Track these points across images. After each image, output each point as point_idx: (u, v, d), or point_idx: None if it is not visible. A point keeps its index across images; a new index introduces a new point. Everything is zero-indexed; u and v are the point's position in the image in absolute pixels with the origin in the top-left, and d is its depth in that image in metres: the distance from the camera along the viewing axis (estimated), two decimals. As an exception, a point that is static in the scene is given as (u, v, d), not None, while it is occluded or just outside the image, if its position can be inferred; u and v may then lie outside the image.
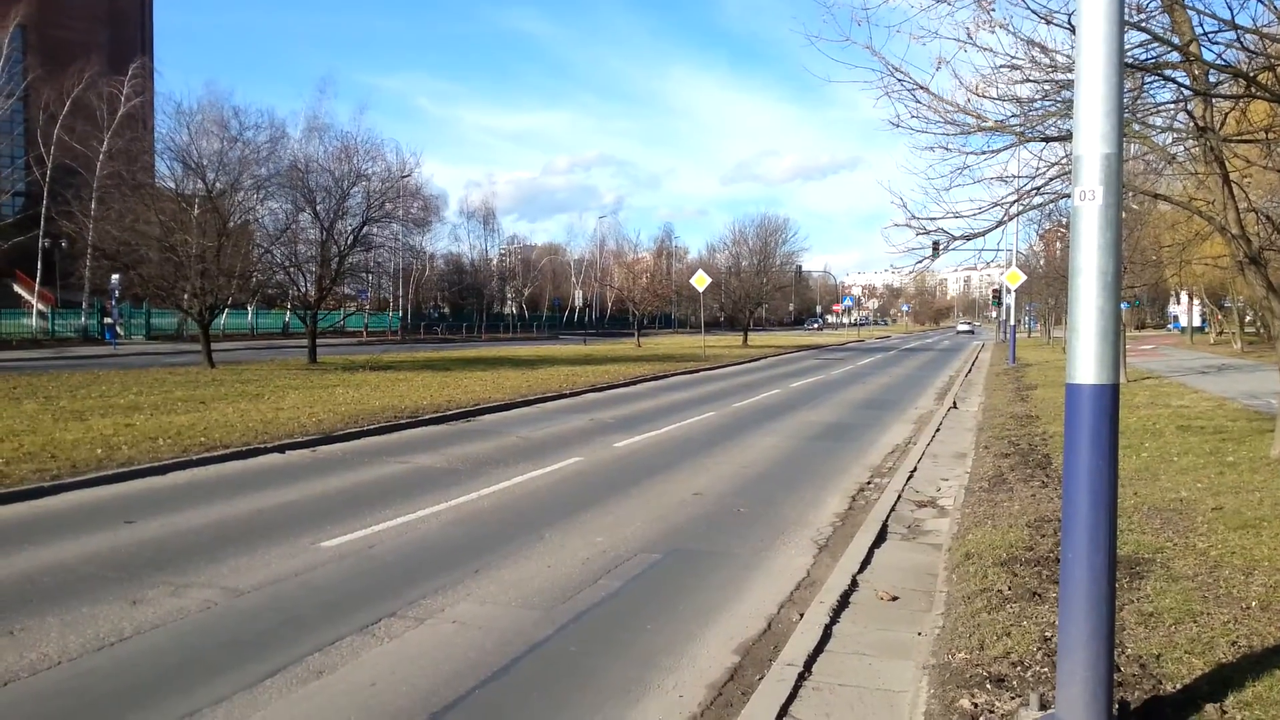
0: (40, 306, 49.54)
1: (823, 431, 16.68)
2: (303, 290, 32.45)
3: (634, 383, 26.90)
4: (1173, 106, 9.74)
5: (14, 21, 47.53)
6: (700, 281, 43.38)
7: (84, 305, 49.37)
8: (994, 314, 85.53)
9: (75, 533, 8.45)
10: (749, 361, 40.23)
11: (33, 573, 7.20)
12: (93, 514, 9.23)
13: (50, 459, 11.29)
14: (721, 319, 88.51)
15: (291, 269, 32.38)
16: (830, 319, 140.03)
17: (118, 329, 46.35)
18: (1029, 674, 4.92)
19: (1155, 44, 8.58)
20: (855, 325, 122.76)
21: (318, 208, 31.64)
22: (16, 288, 56.29)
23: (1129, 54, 8.32)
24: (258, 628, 6.09)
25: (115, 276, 38.52)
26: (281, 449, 13.23)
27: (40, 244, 48.40)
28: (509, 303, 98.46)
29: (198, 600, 6.60)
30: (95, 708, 4.90)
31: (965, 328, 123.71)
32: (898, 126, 9.47)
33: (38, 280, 50.71)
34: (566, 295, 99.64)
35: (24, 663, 5.41)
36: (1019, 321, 58.25)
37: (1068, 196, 9.63)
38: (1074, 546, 3.94)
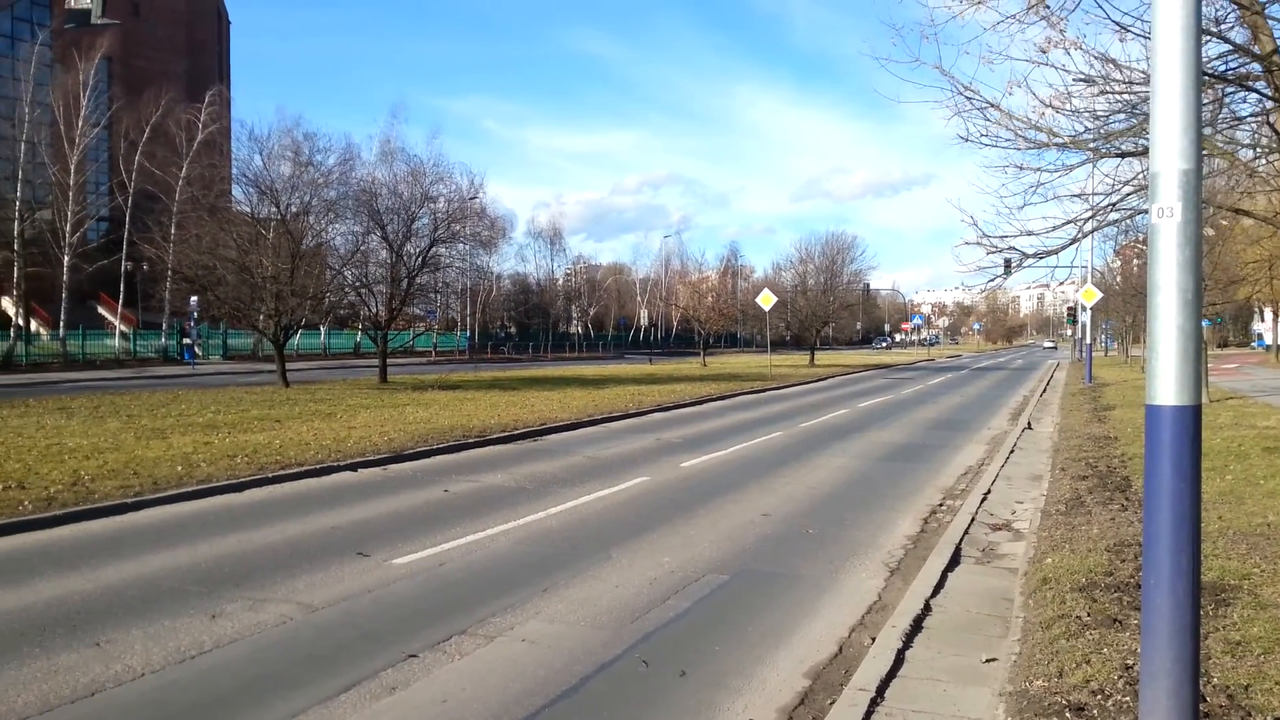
0: (123, 328, 51.22)
1: (893, 452, 16.47)
2: (373, 311, 33.06)
3: (700, 402, 26.87)
4: (1255, 120, 9.48)
5: (100, 54, 49.38)
6: (766, 300, 43.19)
7: (164, 326, 50.92)
8: (1068, 332, 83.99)
9: (157, 548, 8.69)
10: (815, 381, 39.92)
11: (118, 586, 7.42)
12: (174, 530, 9.48)
13: (133, 476, 11.63)
14: (787, 338, 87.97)
15: (362, 290, 33.01)
16: (899, 338, 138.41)
17: (196, 349, 47.66)
18: (1110, 703, 4.79)
19: (1235, 54, 8.37)
20: (924, 344, 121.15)
21: (387, 230, 32.23)
22: (100, 310, 58.35)
23: (1208, 66, 8.12)
24: (332, 643, 6.19)
25: (194, 298, 39.72)
26: (354, 467, 13.46)
27: (123, 267, 50.06)
28: (574, 322, 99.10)
29: (274, 615, 6.73)
30: (177, 720, 5.03)
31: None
32: (967, 141, 9.35)
33: (120, 302, 52.47)
34: (632, 315, 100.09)
35: (109, 674, 5.57)
36: (1095, 340, 56.88)
37: (1145, 212, 9.42)
38: (1156, 572, 3.84)
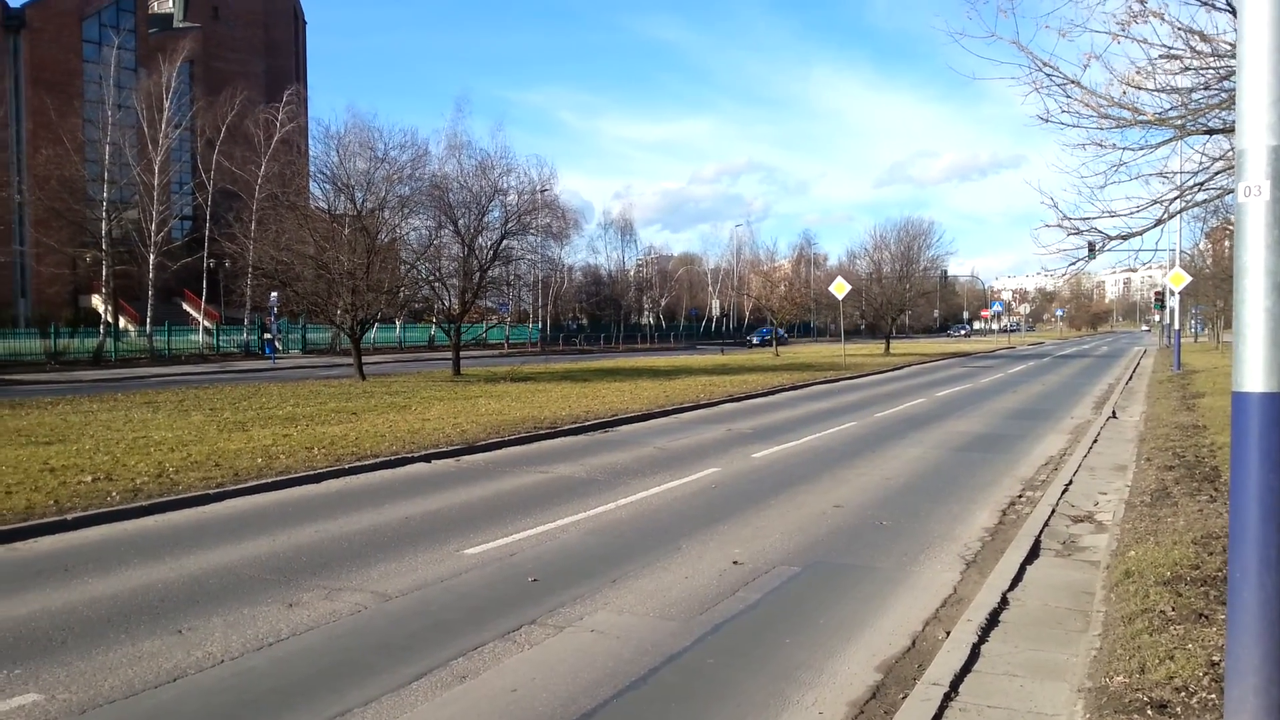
0: (206, 323, 52.69)
1: (970, 442, 16.15)
2: (447, 304, 33.45)
3: (772, 392, 26.67)
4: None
5: (182, 57, 50.73)
6: (839, 289, 42.71)
7: (245, 321, 52.18)
8: (1156, 317, 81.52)
9: (237, 537, 8.91)
10: (891, 370, 39.36)
11: (199, 575, 7.62)
12: (253, 520, 9.71)
13: (215, 467, 11.95)
14: (862, 327, 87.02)
15: (436, 284, 33.42)
16: (978, 325, 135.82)
17: (276, 344, 48.77)
18: (1194, 700, 4.62)
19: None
20: (1005, 331, 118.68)
21: (459, 224, 32.54)
22: (185, 306, 60.11)
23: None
24: (405, 631, 6.28)
25: (274, 294, 40.66)
26: (427, 458, 13.65)
27: (205, 264, 51.40)
28: (646, 313, 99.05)
29: (349, 604, 6.85)
30: (254, 705, 5.14)
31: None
32: (1047, 122, 9.09)
33: (203, 298, 53.93)
34: (703, 305, 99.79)
35: (191, 660, 5.73)
36: (1184, 325, 55.04)
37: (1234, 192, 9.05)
38: (1242, 565, 3.69)
